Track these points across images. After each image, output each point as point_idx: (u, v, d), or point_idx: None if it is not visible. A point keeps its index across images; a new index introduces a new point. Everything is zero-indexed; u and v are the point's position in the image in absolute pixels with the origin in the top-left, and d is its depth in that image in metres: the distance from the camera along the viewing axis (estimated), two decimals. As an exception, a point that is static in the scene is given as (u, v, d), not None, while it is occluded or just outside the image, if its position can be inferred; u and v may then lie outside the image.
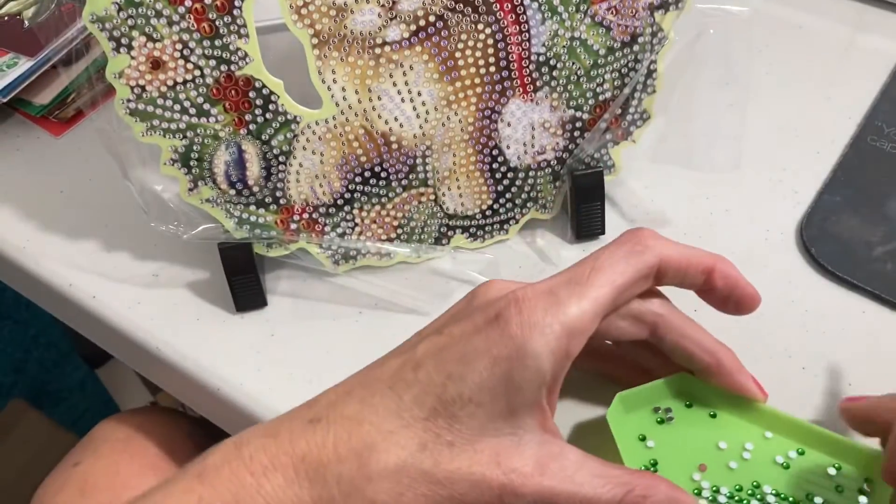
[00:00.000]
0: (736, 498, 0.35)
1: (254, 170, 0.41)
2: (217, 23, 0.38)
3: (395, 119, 0.41)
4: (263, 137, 0.41)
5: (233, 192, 0.42)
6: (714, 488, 0.35)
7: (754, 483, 0.35)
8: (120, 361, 0.49)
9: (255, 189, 0.42)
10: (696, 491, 0.35)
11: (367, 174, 0.43)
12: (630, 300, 0.34)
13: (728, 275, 0.34)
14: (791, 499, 0.34)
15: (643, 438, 0.36)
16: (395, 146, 0.42)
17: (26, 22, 0.57)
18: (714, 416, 0.37)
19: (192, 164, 0.41)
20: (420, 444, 0.30)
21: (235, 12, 0.38)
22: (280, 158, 0.41)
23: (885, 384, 0.40)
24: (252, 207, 0.43)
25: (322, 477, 0.29)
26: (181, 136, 0.40)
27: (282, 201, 0.43)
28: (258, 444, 0.30)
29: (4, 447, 0.99)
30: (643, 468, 0.35)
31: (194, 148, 0.40)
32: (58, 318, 0.50)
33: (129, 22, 0.37)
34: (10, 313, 1.02)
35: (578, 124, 0.44)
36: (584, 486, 0.30)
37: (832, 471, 0.35)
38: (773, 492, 0.35)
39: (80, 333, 0.50)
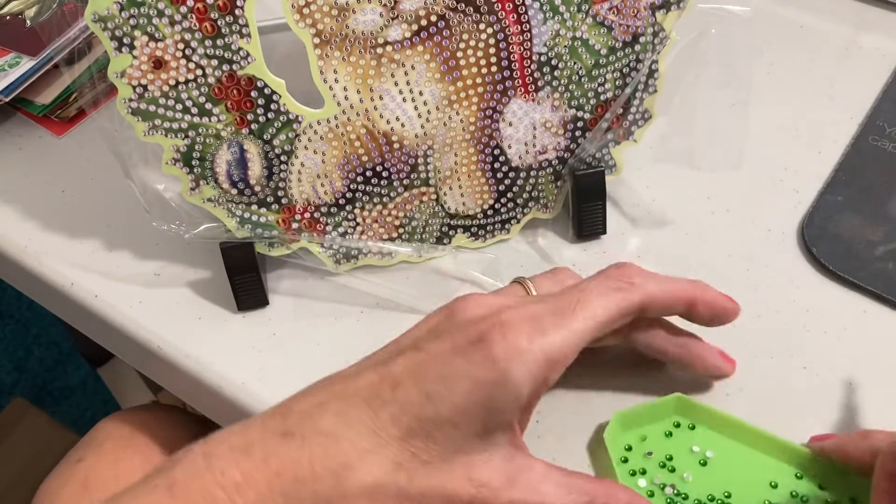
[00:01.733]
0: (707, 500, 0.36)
1: (255, 169, 0.41)
2: (219, 22, 0.38)
3: (397, 119, 0.41)
4: (265, 137, 0.41)
5: (234, 191, 0.42)
6: (683, 495, 0.36)
7: (725, 493, 0.36)
8: (121, 360, 0.49)
9: (257, 188, 0.42)
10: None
11: (368, 174, 0.43)
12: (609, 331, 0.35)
13: (709, 302, 0.36)
14: None
15: (627, 462, 0.37)
16: (396, 146, 0.42)
17: (28, 21, 0.57)
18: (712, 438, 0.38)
19: (193, 163, 0.41)
20: (396, 464, 0.30)
21: (237, 12, 0.38)
22: (282, 158, 0.41)
23: (885, 384, 0.40)
24: (254, 207, 0.43)
25: (297, 494, 0.29)
26: (183, 135, 0.40)
27: (283, 201, 0.43)
28: (230, 459, 0.30)
29: (6, 446, 0.99)
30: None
31: (196, 147, 0.41)
32: (59, 317, 0.50)
33: (131, 21, 0.37)
34: (12, 312, 1.02)
35: (580, 124, 0.44)
36: (548, 496, 0.31)
37: (819, 491, 0.36)
38: None
39: (81, 332, 0.50)
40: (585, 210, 0.45)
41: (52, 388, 1.10)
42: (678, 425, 0.38)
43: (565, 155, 0.45)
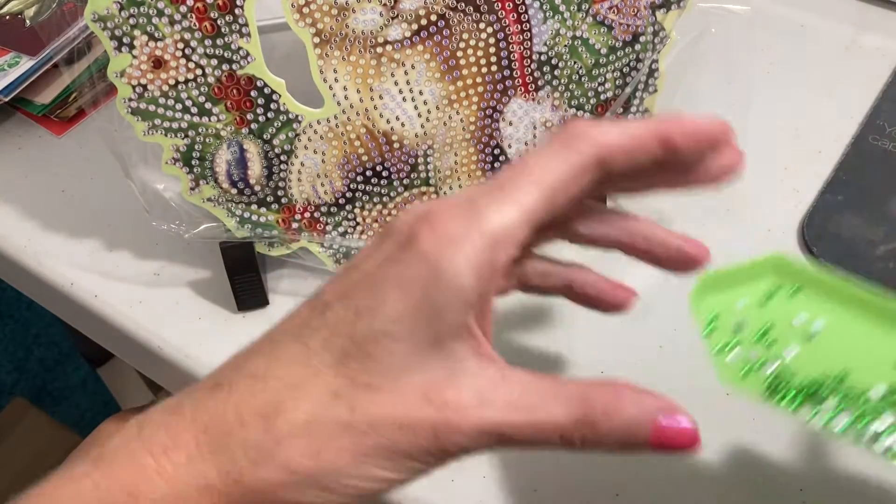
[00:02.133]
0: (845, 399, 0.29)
1: (255, 169, 0.41)
2: (219, 22, 0.38)
3: (397, 118, 0.41)
4: (265, 136, 0.41)
5: (234, 191, 0.42)
6: (787, 375, 0.29)
7: (840, 374, 0.29)
8: (121, 360, 0.49)
9: (257, 188, 0.42)
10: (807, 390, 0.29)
11: (368, 173, 0.43)
12: (574, 201, 0.28)
13: (689, 132, 0.29)
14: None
15: (714, 334, 0.31)
16: (396, 145, 0.42)
17: (28, 21, 0.57)
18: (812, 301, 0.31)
19: (193, 163, 0.41)
20: (332, 393, 0.26)
21: (237, 11, 0.38)
22: (282, 157, 0.41)
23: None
24: (254, 206, 0.43)
25: (226, 447, 0.26)
26: (183, 135, 0.40)
27: (283, 200, 0.43)
28: (159, 421, 0.27)
29: (6, 446, 0.99)
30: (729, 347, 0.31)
31: (196, 147, 0.40)
32: (59, 317, 0.50)
33: (131, 21, 0.37)
34: (12, 312, 1.02)
35: (580, 123, 0.44)
36: (533, 412, 0.26)
37: None
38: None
39: (81, 332, 0.50)
40: (585, 210, 0.45)
41: (52, 388, 1.10)
42: (778, 290, 0.32)
43: (565, 154, 0.45)
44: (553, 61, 0.42)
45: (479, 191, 0.27)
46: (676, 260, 0.32)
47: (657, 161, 0.29)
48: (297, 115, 0.40)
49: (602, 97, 0.43)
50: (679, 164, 0.30)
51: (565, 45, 0.42)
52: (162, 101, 0.39)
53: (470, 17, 0.40)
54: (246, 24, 0.38)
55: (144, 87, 0.39)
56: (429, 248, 0.26)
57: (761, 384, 0.29)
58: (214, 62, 0.39)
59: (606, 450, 0.26)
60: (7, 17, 0.57)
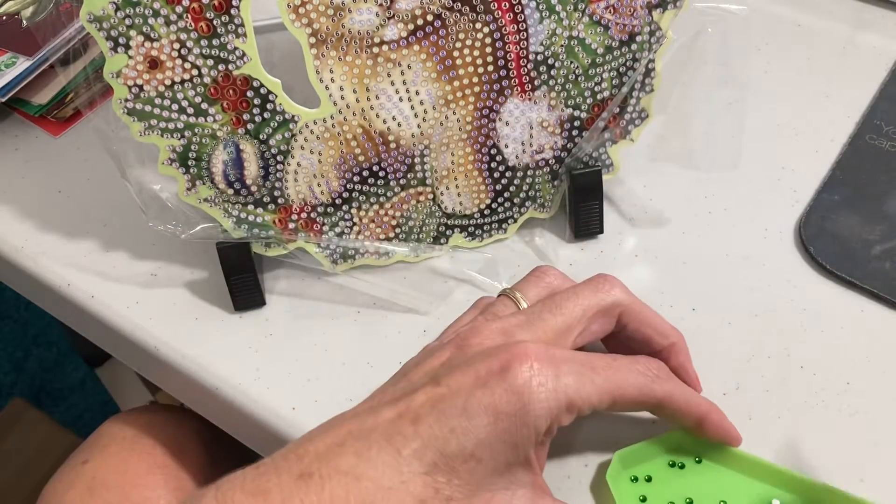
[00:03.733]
0: None
1: (252, 169, 0.41)
2: (215, 22, 0.38)
3: (394, 118, 0.41)
4: (261, 137, 0.41)
5: (231, 191, 0.42)
6: None
7: None
8: (119, 361, 0.49)
9: (254, 188, 0.42)
10: None
11: (365, 173, 0.43)
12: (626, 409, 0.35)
13: (717, 424, 0.36)
14: None
15: (643, 500, 0.36)
16: (393, 145, 0.42)
17: (24, 21, 0.57)
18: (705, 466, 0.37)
19: (190, 163, 0.41)
20: (419, 501, 0.29)
21: (233, 11, 0.38)
22: (278, 158, 0.41)
23: (883, 383, 0.40)
24: (250, 207, 0.43)
25: None
26: (179, 135, 0.40)
27: (280, 201, 0.43)
28: None
29: (4, 446, 0.99)
30: None
31: (192, 147, 0.40)
32: (57, 317, 0.50)
33: (127, 21, 0.37)
34: (10, 313, 1.02)
35: (577, 123, 0.44)
36: None
37: None
38: None
39: (79, 333, 0.50)
40: (582, 209, 0.45)
41: (51, 389, 1.10)
42: (682, 465, 0.37)
43: (562, 154, 0.45)
44: (549, 61, 0.42)
45: (574, 358, 0.32)
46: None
47: (687, 425, 0.36)
48: (293, 116, 0.40)
49: (598, 97, 0.43)
50: (694, 433, 0.37)
51: (562, 45, 0.41)
52: (158, 101, 0.39)
53: (466, 17, 0.40)
54: (242, 25, 0.38)
55: (140, 87, 0.39)
56: (522, 387, 0.30)
57: None
58: (210, 62, 0.39)
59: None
60: (3, 18, 0.57)
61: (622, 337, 0.37)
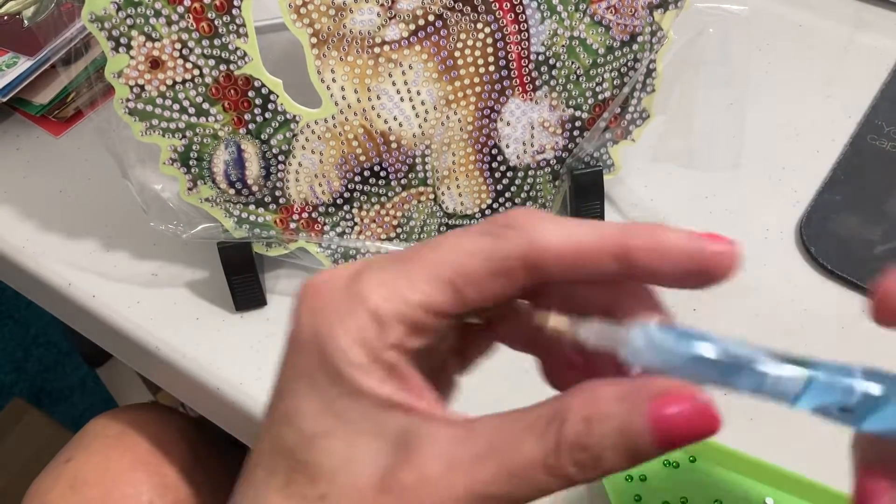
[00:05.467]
0: None
1: (253, 169, 0.41)
2: (216, 22, 0.38)
3: (395, 118, 0.41)
4: (263, 137, 0.41)
5: (232, 191, 0.42)
6: None
7: None
8: (120, 360, 0.49)
9: (255, 188, 0.42)
10: None
11: (366, 173, 0.43)
12: (497, 300, 0.23)
13: (656, 247, 0.22)
14: None
15: (638, 499, 0.36)
16: (394, 145, 0.42)
17: (26, 21, 0.57)
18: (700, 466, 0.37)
19: (191, 163, 0.41)
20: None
21: (234, 12, 0.38)
22: (279, 158, 0.41)
23: (884, 383, 0.40)
24: (251, 207, 0.43)
25: None
26: (180, 135, 0.40)
27: (281, 200, 0.43)
28: None
29: (4, 446, 0.99)
30: None
31: (193, 147, 0.40)
32: (57, 317, 0.50)
33: (128, 21, 0.37)
34: (11, 313, 1.02)
35: (578, 123, 0.44)
36: (502, 457, 0.21)
37: None
38: None
39: (79, 333, 0.50)
40: (583, 209, 0.45)
41: (51, 389, 1.10)
42: (677, 465, 0.37)
43: (563, 154, 0.45)
44: (551, 61, 0.42)
45: (375, 262, 0.23)
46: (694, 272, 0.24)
47: (615, 274, 0.23)
48: (294, 116, 0.40)
49: (600, 97, 0.43)
50: (649, 277, 0.24)
51: (563, 45, 0.42)
52: (159, 101, 0.39)
53: (467, 17, 0.40)
54: (243, 25, 0.38)
55: (142, 87, 0.39)
56: (307, 329, 0.23)
57: None
58: (212, 62, 0.39)
59: (614, 468, 0.21)
60: (5, 18, 0.57)
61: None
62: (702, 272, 0.23)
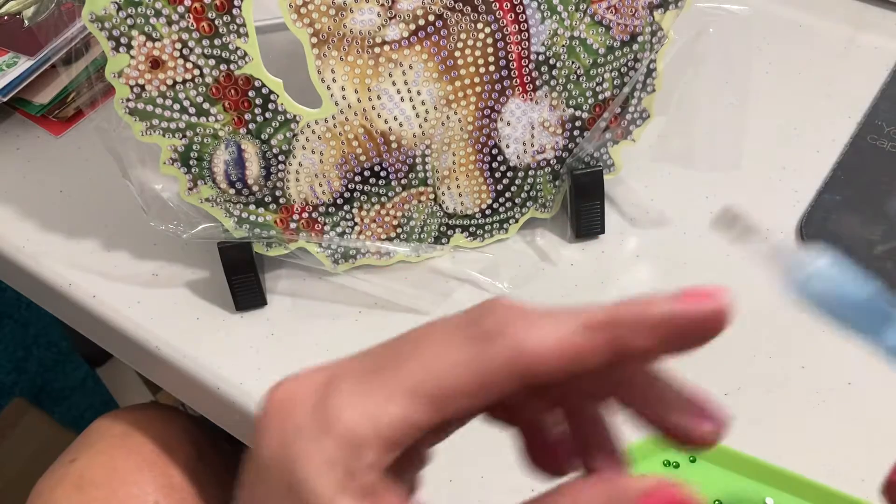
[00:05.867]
0: None
1: (253, 169, 0.41)
2: (216, 22, 0.38)
3: (395, 118, 0.41)
4: (263, 137, 0.41)
5: (232, 191, 0.42)
6: None
7: None
8: (120, 360, 0.49)
9: (255, 188, 0.42)
10: None
11: (366, 173, 0.43)
12: (475, 411, 0.22)
13: (650, 321, 0.22)
14: None
15: None
16: (394, 145, 0.42)
17: (26, 21, 0.57)
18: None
19: (191, 163, 0.41)
20: None
21: (235, 11, 0.38)
22: (279, 158, 0.41)
23: (883, 383, 0.40)
24: (251, 207, 0.43)
25: None
26: (180, 135, 0.40)
27: (281, 200, 0.43)
28: None
29: (5, 446, 0.99)
30: None
31: (194, 147, 0.40)
32: (58, 317, 0.50)
33: (129, 21, 0.37)
34: (11, 312, 1.02)
35: (578, 123, 0.44)
36: None
37: None
38: None
39: (80, 333, 0.50)
40: (584, 209, 0.45)
41: (52, 389, 1.10)
42: (677, 465, 0.37)
43: (563, 154, 0.45)
44: (551, 61, 0.42)
45: (348, 371, 0.22)
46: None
47: (613, 363, 0.21)
48: (294, 116, 0.40)
49: (600, 97, 0.43)
50: (643, 359, 0.22)
51: (563, 45, 0.42)
52: (160, 101, 0.39)
53: (468, 17, 0.40)
54: (244, 25, 0.38)
55: (142, 87, 0.39)
56: (273, 452, 0.21)
57: None
58: (212, 62, 0.39)
59: None
60: (5, 18, 0.57)
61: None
62: (698, 339, 0.23)
